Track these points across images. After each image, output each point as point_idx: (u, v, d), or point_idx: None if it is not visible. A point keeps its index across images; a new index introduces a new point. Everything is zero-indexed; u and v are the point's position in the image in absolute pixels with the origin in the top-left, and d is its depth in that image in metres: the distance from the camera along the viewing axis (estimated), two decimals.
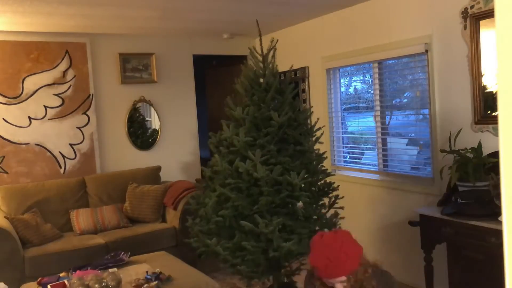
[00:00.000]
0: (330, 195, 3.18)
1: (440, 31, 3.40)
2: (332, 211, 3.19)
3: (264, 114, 2.90)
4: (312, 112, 3.53)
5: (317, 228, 3.00)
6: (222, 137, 3.01)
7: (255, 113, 2.90)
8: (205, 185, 3.12)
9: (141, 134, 5.18)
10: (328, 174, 3.21)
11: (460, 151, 3.06)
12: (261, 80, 3.03)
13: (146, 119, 5.26)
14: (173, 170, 5.13)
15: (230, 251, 2.78)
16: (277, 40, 3.17)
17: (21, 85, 4.44)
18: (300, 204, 2.90)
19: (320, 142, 3.26)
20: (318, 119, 3.35)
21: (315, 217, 3.00)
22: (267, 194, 2.75)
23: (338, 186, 3.25)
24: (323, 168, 3.20)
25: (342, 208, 3.21)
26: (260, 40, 3.20)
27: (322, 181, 3.16)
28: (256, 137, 2.86)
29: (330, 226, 3.02)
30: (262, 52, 3.13)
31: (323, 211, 3.12)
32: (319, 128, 3.19)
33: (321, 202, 3.14)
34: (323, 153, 3.22)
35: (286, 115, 2.86)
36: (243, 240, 2.75)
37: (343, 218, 3.22)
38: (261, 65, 3.10)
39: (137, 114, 5.15)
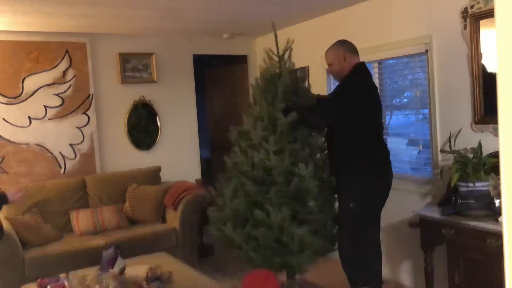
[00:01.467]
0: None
1: (440, 31, 3.40)
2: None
3: (275, 114, 2.99)
4: None
5: (329, 221, 3.08)
6: (242, 130, 3.11)
7: (271, 109, 3.01)
8: (226, 176, 3.20)
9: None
10: None
11: (460, 151, 3.06)
12: (277, 79, 3.12)
13: None
14: (173, 170, 5.12)
15: (243, 238, 2.88)
16: (293, 40, 3.20)
17: (21, 85, 4.44)
18: (312, 204, 2.95)
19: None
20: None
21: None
22: (278, 183, 2.83)
23: None
24: None
25: None
26: (276, 39, 3.18)
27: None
28: (272, 133, 2.97)
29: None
30: (278, 52, 3.16)
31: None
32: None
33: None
34: None
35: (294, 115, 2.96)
36: (255, 228, 2.85)
37: None
38: (275, 64, 3.18)
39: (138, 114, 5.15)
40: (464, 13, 3.17)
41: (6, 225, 3.72)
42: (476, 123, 3.18)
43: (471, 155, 2.98)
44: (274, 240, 2.87)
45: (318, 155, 3.18)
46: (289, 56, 3.20)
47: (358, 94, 3.00)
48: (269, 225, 2.84)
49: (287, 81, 3.06)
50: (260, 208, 2.87)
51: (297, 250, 2.87)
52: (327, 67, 4.56)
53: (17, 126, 4.43)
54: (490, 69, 3.08)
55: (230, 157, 3.17)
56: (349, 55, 3.14)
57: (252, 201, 2.92)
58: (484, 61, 3.10)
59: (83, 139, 4.74)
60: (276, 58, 3.17)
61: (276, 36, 3.20)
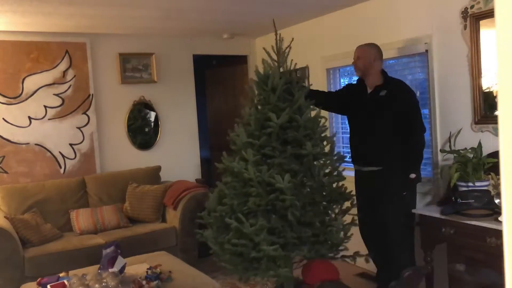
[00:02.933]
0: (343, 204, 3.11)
1: (440, 31, 3.40)
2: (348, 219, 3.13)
3: (267, 115, 2.90)
4: (319, 115, 3.28)
5: (312, 232, 2.89)
6: (232, 136, 3.01)
7: (257, 113, 2.90)
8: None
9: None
10: (341, 178, 3.10)
11: (460, 151, 3.06)
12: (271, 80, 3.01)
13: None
14: (173, 170, 5.13)
15: (220, 245, 2.83)
16: (292, 39, 3.10)
17: (21, 85, 4.44)
18: (292, 218, 2.91)
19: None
20: (326, 119, 3.16)
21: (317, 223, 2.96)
22: (255, 195, 2.76)
23: (350, 192, 3.13)
24: (329, 171, 3.09)
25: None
26: (276, 37, 3.11)
27: (335, 185, 3.06)
28: (259, 137, 2.87)
29: (333, 237, 2.93)
30: (277, 50, 3.09)
31: (333, 216, 3.05)
32: (324, 131, 3.08)
33: (336, 209, 3.08)
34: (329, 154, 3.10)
35: (286, 116, 2.83)
36: (234, 237, 2.79)
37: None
38: (271, 64, 3.07)
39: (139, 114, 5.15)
40: (464, 13, 3.17)
41: (6, 224, 3.73)
42: (476, 123, 3.18)
43: (471, 155, 2.99)
44: (246, 249, 2.80)
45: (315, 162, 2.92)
46: (287, 56, 3.12)
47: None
48: (247, 236, 2.80)
49: (277, 81, 2.99)
50: (238, 218, 2.79)
51: (264, 268, 2.82)
52: (327, 67, 4.60)
53: (17, 126, 4.43)
54: (489, 69, 3.09)
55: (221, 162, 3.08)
56: (379, 60, 3.38)
57: (233, 210, 2.87)
58: (484, 61, 3.10)
59: (83, 139, 4.74)
60: (275, 57, 3.12)
61: (276, 34, 3.15)
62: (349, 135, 3.59)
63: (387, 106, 3.24)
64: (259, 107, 2.96)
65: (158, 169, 4.92)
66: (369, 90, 3.37)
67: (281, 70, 3.07)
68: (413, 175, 3.24)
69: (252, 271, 2.84)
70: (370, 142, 3.36)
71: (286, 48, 3.10)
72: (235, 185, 2.86)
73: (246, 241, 2.74)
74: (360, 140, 3.44)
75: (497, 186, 2.89)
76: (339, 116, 4.65)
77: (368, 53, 3.34)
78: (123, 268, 2.98)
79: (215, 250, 2.87)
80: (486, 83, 3.11)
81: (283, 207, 2.77)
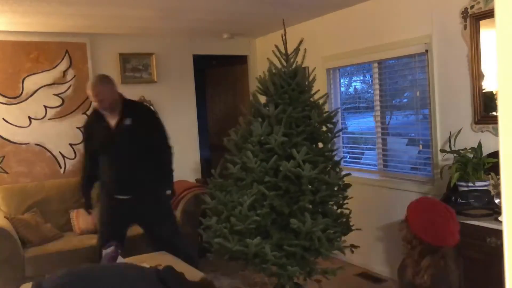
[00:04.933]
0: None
1: (440, 31, 3.40)
2: None
3: (301, 114, 2.92)
4: (333, 113, 3.28)
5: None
6: (254, 134, 2.92)
7: (292, 112, 2.89)
8: (232, 183, 3.02)
9: None
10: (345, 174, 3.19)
11: (460, 151, 3.06)
12: (289, 80, 3.03)
13: None
14: None
15: (272, 249, 2.76)
16: (302, 39, 3.14)
17: (21, 85, 4.44)
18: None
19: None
20: (338, 120, 3.27)
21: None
22: (308, 193, 2.78)
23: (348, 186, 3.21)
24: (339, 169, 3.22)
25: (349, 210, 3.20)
26: (285, 38, 3.13)
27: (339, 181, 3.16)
28: (289, 135, 2.87)
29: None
30: (286, 51, 3.12)
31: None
32: (336, 130, 3.17)
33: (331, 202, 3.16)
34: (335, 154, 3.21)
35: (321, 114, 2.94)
36: (283, 239, 2.78)
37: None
38: (282, 63, 3.10)
39: None
40: (464, 13, 3.17)
41: (6, 224, 3.72)
42: (476, 123, 3.18)
43: (471, 155, 2.99)
44: (301, 248, 2.82)
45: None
46: (295, 55, 3.15)
47: None
48: (296, 234, 2.80)
49: (278, 79, 3.01)
50: (284, 218, 2.85)
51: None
52: (327, 67, 4.60)
53: (17, 126, 4.43)
54: (489, 69, 3.09)
55: (233, 162, 3.04)
56: (118, 90, 3.49)
57: (276, 212, 2.87)
58: (484, 61, 3.10)
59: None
60: (282, 57, 3.13)
61: (285, 34, 3.16)
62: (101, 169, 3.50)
63: (135, 134, 3.39)
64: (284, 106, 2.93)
65: None
66: (112, 122, 3.40)
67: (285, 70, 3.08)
68: (168, 192, 3.53)
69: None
70: (126, 172, 3.41)
71: (294, 50, 3.12)
72: (280, 186, 2.86)
73: (302, 240, 2.76)
74: (117, 172, 3.43)
75: (497, 186, 2.90)
76: (339, 115, 4.65)
77: (111, 93, 3.37)
78: None
79: (269, 259, 2.74)
80: (486, 83, 3.11)
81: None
